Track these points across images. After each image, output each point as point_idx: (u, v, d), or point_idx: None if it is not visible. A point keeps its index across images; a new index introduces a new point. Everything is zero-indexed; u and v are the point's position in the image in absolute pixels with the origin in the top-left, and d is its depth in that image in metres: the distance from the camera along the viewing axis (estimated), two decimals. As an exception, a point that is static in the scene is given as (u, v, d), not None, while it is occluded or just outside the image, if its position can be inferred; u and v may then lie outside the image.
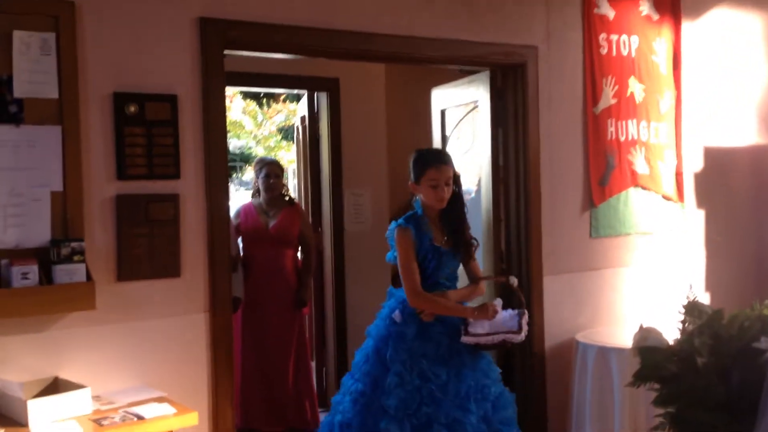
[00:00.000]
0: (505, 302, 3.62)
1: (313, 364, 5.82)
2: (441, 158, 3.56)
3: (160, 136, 3.23)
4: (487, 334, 3.34)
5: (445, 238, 3.50)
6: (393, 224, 3.50)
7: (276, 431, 5.21)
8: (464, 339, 3.35)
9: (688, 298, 2.14)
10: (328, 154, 5.78)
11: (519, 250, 4.30)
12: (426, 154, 3.60)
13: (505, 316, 3.48)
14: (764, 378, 1.97)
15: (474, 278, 3.60)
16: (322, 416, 5.46)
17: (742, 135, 5.04)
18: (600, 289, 4.43)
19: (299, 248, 5.45)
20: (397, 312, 3.43)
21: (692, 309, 2.11)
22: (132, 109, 3.17)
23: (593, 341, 4.03)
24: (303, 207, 5.95)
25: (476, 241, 3.62)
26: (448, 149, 4.97)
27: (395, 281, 3.53)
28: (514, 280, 3.63)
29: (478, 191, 4.52)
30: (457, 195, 3.53)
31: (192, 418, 2.91)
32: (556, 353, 4.23)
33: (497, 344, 3.38)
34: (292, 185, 7.03)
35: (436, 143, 5.06)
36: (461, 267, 3.64)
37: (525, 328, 3.38)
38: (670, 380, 2.02)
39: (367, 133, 5.98)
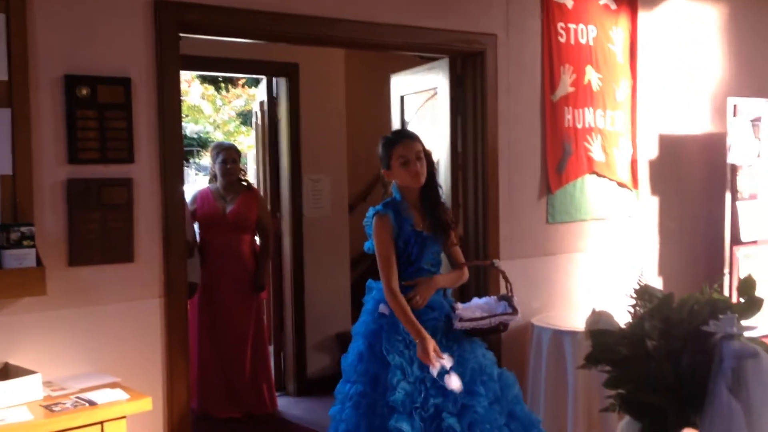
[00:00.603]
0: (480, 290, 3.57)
1: (271, 348, 5.80)
2: (405, 133, 3.46)
3: (113, 119, 3.17)
4: (482, 318, 3.24)
5: (426, 221, 3.34)
6: (371, 211, 3.32)
7: (233, 416, 5.19)
8: (460, 325, 3.23)
9: (639, 282, 2.18)
10: (287, 139, 5.75)
11: (477, 235, 4.32)
12: (390, 135, 3.45)
13: (490, 302, 3.41)
14: (713, 361, 2.01)
15: (457, 264, 3.48)
16: (280, 400, 5.50)
17: (696, 123, 5.12)
18: (555, 273, 4.48)
19: (257, 233, 5.42)
20: (382, 305, 3.27)
21: (643, 293, 2.15)
22: (84, 92, 3.10)
23: (548, 324, 4.08)
24: (261, 192, 5.91)
25: (454, 223, 3.47)
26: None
27: (375, 275, 3.39)
28: (498, 263, 3.60)
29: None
30: (431, 175, 3.36)
31: (146, 404, 2.88)
32: (512, 337, 4.27)
33: (494, 327, 3.29)
34: (252, 171, 6.98)
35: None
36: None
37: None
38: (620, 363, 2.06)
39: (327, 118, 5.95)
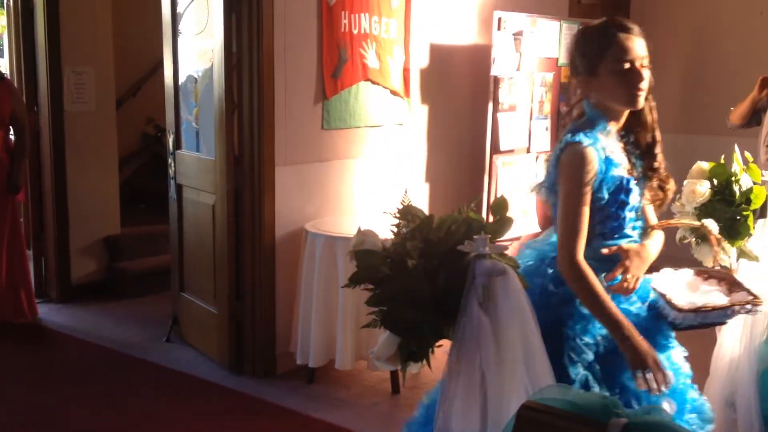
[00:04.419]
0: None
1: (31, 253, 5.47)
2: (629, 25, 2.31)
3: None
4: (715, 309, 2.26)
5: (632, 164, 2.35)
6: (565, 140, 2.26)
7: (-13, 324, 4.90)
8: (681, 317, 2.25)
9: (402, 202, 2.26)
10: (44, 25, 5.26)
11: (251, 139, 4.25)
12: (604, 21, 2.33)
13: (695, 282, 2.46)
14: (466, 278, 2.16)
15: (649, 227, 2.43)
16: (41, 307, 5.23)
17: (464, 35, 5.31)
18: (330, 180, 4.55)
19: (11, 129, 4.99)
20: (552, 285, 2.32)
21: (406, 213, 2.24)
22: None
23: (321, 230, 4.15)
24: (15, 84, 5.40)
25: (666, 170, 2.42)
26: (180, 28, 4.72)
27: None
28: (713, 227, 2.60)
29: (211, 75, 4.37)
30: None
31: None
32: (286, 242, 4.33)
33: (717, 322, 2.40)
34: (5, 60, 6.32)
35: (166, 21, 4.77)
36: None
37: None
38: (383, 281, 2.15)
39: (90, 4, 5.49)
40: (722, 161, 2.96)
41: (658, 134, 2.38)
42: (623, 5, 6.66)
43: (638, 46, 2.25)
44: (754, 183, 2.96)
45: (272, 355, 4.34)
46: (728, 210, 2.85)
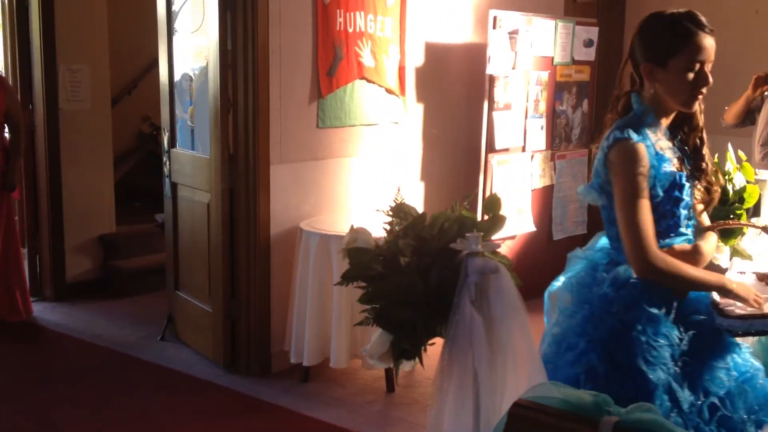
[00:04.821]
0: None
1: (25, 251, 5.46)
2: (707, 24, 2.23)
3: None
4: (761, 316, 2.12)
5: (681, 161, 2.28)
6: (613, 137, 2.17)
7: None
8: (727, 323, 2.11)
9: (395, 200, 2.26)
10: (39, 23, 5.24)
11: (246, 137, 4.24)
12: (684, 15, 2.21)
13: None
14: (459, 276, 2.17)
15: (703, 228, 2.34)
16: (36, 306, 5.23)
17: (460, 33, 5.31)
18: (325, 178, 4.55)
19: (5, 126, 4.98)
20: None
21: (398, 211, 2.24)
22: None
23: (316, 229, 4.15)
24: (10, 82, 5.39)
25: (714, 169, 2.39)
26: (176, 26, 4.71)
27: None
28: None
29: (206, 73, 4.36)
30: None
31: None
32: (281, 241, 4.32)
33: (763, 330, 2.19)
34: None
35: (161, 19, 4.76)
36: None
37: None
38: (375, 279, 2.15)
39: (85, 2, 5.49)
40: (716, 160, 2.96)
41: (705, 135, 2.34)
42: (619, 3, 6.66)
43: (711, 48, 2.19)
44: (748, 182, 2.97)
45: (267, 354, 4.34)
46: (722, 209, 2.85)
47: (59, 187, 5.46)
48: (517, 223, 5.34)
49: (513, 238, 5.36)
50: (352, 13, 4.52)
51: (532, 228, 5.49)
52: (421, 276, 2.15)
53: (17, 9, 5.33)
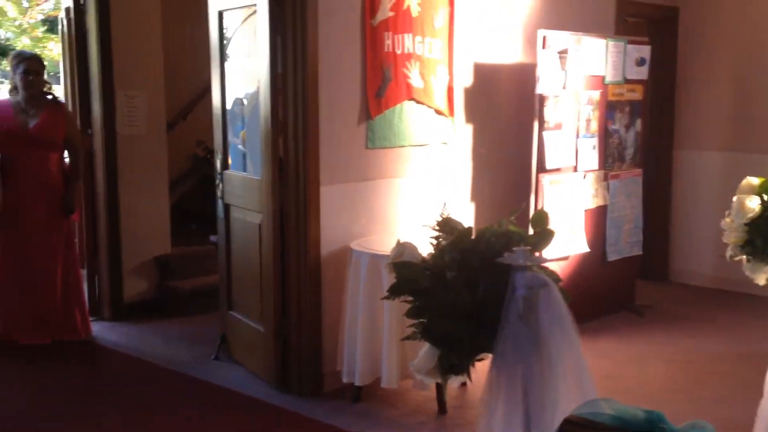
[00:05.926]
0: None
1: (85, 272, 5.60)
2: None
3: None
4: None
5: None
6: None
7: (43, 342, 5.04)
8: None
9: (441, 215, 2.26)
10: (97, 51, 5.41)
11: (297, 159, 4.30)
12: None
13: None
14: (506, 290, 2.15)
15: None
16: (95, 326, 5.35)
17: (508, 53, 5.31)
18: (374, 198, 4.57)
19: (65, 152, 5.15)
20: None
21: (445, 225, 2.24)
22: None
23: (366, 249, 4.16)
24: (70, 108, 5.57)
25: None
26: (228, 52, 4.82)
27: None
28: None
29: (257, 97, 4.44)
30: None
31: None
32: (332, 261, 4.35)
33: None
34: (61, 85, 6.54)
35: (214, 45, 4.88)
36: None
37: None
38: (422, 293, 2.15)
39: (141, 30, 5.66)
40: None
41: None
42: (671, 23, 6.58)
43: None
44: (805, 198, 2.89)
45: (318, 373, 4.35)
46: None
47: (117, 209, 5.60)
48: (570, 244, 5.28)
49: (566, 258, 5.30)
50: (400, 35, 4.56)
51: (586, 249, 5.42)
52: (467, 290, 2.14)
53: (76, 37, 5.51)
